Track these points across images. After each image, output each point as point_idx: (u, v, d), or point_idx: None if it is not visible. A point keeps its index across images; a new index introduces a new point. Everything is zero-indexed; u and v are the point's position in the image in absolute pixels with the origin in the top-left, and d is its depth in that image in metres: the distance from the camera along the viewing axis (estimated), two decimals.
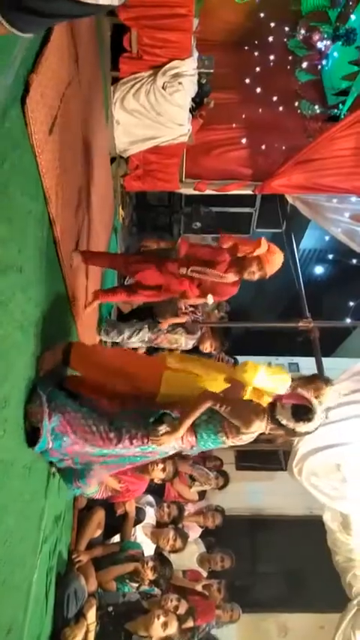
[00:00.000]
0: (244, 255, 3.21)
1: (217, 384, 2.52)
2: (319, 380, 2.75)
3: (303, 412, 2.22)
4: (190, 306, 5.72)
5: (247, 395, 2.45)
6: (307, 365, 5.40)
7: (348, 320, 6.12)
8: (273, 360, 5.92)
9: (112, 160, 4.89)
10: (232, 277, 3.29)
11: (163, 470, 3.74)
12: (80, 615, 2.83)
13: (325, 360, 4.54)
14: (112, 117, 4.64)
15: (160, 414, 2.41)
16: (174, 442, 2.41)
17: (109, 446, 2.37)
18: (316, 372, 2.79)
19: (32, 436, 2.27)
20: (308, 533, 4.73)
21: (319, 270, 7.79)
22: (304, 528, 5.22)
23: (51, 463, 2.54)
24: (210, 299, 3.42)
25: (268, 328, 6.06)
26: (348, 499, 3.07)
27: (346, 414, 3.14)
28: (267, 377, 2.44)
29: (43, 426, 2.26)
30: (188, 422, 2.34)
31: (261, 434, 2.36)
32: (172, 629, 3.09)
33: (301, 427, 2.20)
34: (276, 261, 3.19)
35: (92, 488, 2.92)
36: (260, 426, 2.27)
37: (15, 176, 1.98)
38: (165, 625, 3.06)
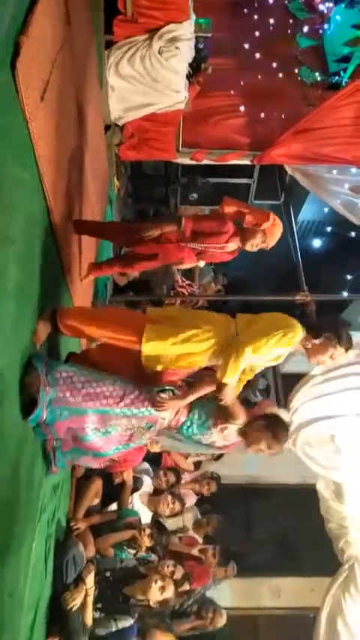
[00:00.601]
0: (249, 226, 3.19)
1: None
2: (334, 342, 2.47)
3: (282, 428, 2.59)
4: (186, 279, 5.70)
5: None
6: None
7: (345, 293, 6.10)
8: None
9: (107, 127, 4.77)
10: (232, 247, 3.28)
11: None
12: (79, 580, 2.91)
13: None
14: (106, 83, 4.50)
15: (164, 389, 2.47)
16: (169, 413, 2.46)
17: (112, 404, 2.39)
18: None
19: (30, 408, 2.29)
20: (301, 501, 4.84)
21: (317, 242, 7.72)
22: (298, 496, 5.33)
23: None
24: (202, 263, 3.45)
25: (264, 301, 6.04)
26: (341, 469, 3.12)
27: (342, 387, 3.16)
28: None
29: (40, 397, 2.27)
30: (194, 395, 2.48)
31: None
32: (169, 593, 3.20)
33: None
34: (277, 233, 3.20)
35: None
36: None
37: (6, 144, 1.93)
38: (162, 589, 3.16)
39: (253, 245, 3.19)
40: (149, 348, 2.42)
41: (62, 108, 2.73)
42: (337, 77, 5.49)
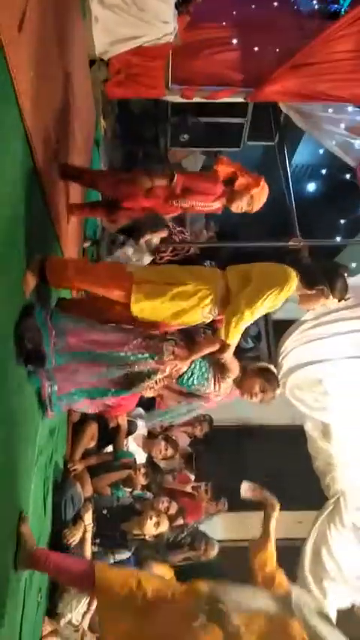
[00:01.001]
0: (239, 189, 3.15)
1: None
2: (327, 294, 2.48)
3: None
4: (178, 225, 5.60)
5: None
6: None
7: (338, 238, 6.05)
8: None
9: (92, 63, 4.50)
10: (216, 205, 3.30)
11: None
12: (78, 518, 3.06)
13: None
14: (89, 13, 4.21)
15: (168, 339, 2.53)
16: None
17: (118, 347, 2.45)
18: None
19: (33, 357, 2.30)
20: (290, 440, 5.03)
21: (311, 186, 7.54)
22: (287, 436, 5.52)
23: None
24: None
25: (256, 247, 5.98)
26: (328, 410, 3.23)
27: (331, 332, 3.20)
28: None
29: (46, 351, 2.30)
30: (197, 356, 2.55)
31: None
32: (164, 527, 3.38)
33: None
34: (263, 198, 3.19)
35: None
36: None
37: None
38: (157, 524, 3.33)
39: (239, 207, 3.21)
40: (139, 309, 2.43)
41: (43, 40, 2.55)
42: (336, 5, 5.18)
